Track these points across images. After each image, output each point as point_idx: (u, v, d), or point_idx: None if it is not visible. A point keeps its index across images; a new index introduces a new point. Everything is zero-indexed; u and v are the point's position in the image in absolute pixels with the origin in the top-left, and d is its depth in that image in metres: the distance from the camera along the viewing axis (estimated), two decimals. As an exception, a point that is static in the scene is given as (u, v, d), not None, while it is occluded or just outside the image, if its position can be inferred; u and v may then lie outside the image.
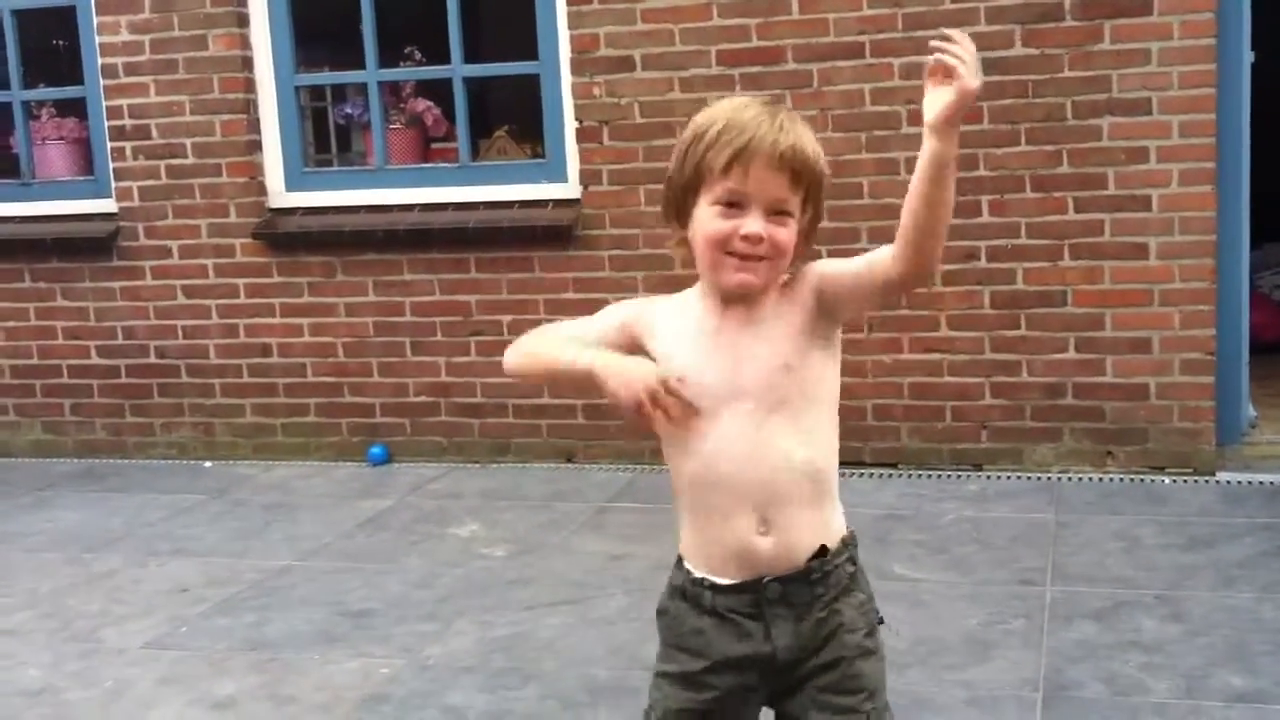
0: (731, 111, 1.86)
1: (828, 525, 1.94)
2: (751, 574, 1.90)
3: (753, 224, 1.83)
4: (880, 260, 1.86)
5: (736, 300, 1.90)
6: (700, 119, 1.89)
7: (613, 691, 3.32)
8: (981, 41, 5.07)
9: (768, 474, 1.88)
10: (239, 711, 3.34)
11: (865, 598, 1.96)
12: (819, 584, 1.91)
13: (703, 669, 1.92)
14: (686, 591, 1.95)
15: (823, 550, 1.91)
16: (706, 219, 1.85)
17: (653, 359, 1.91)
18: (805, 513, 1.90)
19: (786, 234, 1.85)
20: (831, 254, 5.58)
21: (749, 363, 1.88)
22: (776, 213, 1.84)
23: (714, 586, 1.92)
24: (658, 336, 1.94)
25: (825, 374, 1.93)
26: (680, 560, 1.98)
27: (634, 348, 1.94)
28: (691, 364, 1.89)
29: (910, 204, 1.80)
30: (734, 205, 1.84)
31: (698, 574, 1.94)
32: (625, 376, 1.82)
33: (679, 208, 1.90)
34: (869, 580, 2.00)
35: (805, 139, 1.84)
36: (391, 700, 3.36)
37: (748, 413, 1.87)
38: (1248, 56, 4.86)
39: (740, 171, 1.82)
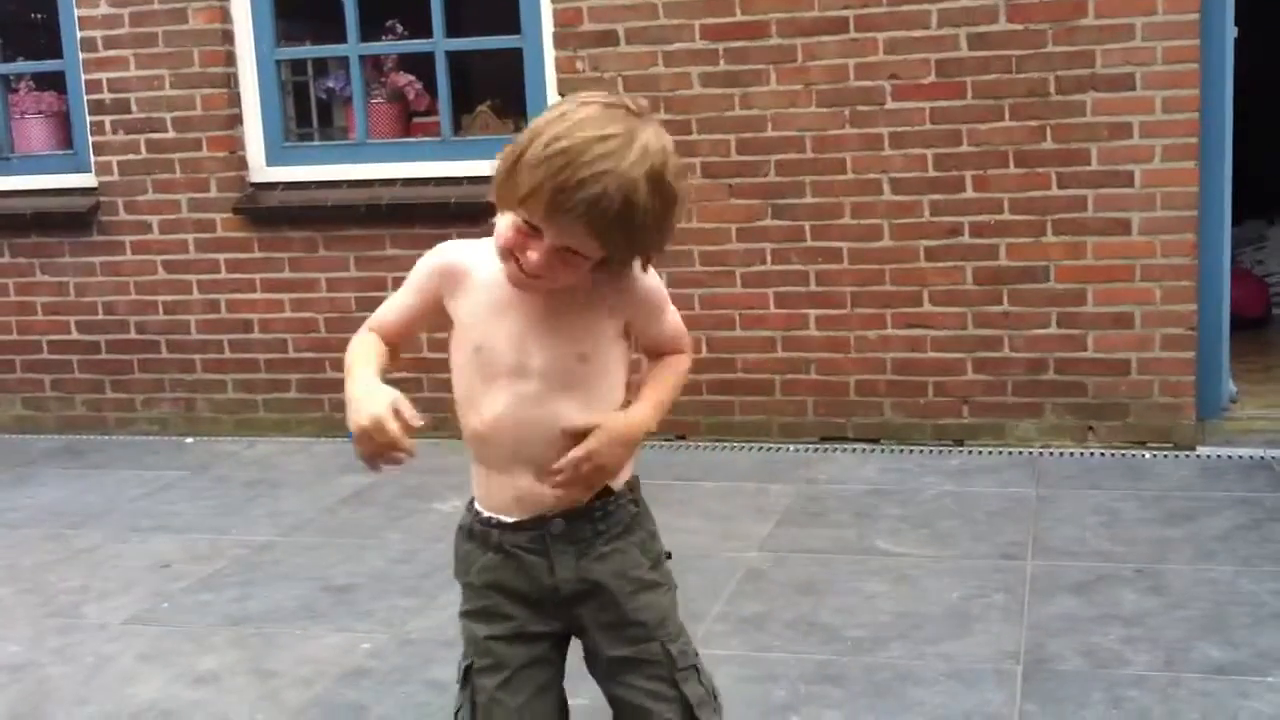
0: (571, 132, 1.73)
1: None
2: (536, 512, 1.97)
3: (535, 256, 1.80)
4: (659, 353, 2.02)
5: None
6: (552, 124, 1.75)
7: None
8: (966, 16, 5.12)
9: (545, 444, 1.92)
10: (221, 686, 3.33)
11: (647, 535, 2.03)
12: (601, 521, 1.98)
13: (496, 603, 2.00)
14: (474, 531, 2.03)
15: (606, 491, 1.97)
16: (503, 225, 1.82)
17: (448, 316, 1.97)
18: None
19: (569, 273, 1.82)
20: (814, 230, 5.59)
21: (542, 346, 1.91)
22: (569, 252, 1.79)
23: (500, 525, 1.99)
24: (462, 296, 1.96)
25: (620, 359, 1.98)
26: (471, 502, 2.06)
27: (438, 301, 1.98)
28: (486, 333, 1.93)
29: None
30: (532, 227, 1.78)
31: (485, 513, 2.01)
32: (354, 414, 1.86)
33: (498, 196, 1.82)
34: (654, 519, 2.08)
35: (638, 198, 1.73)
36: (373, 674, 3.36)
37: (531, 390, 1.91)
38: (1231, 32, 4.86)
39: (546, 217, 1.75)
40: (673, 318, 2.03)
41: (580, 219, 1.73)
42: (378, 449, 1.86)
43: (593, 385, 1.94)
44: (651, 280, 1.95)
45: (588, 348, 1.92)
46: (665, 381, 2.00)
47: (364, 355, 1.98)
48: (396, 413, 1.84)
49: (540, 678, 2.03)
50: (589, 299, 1.91)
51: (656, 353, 2.04)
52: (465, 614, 2.05)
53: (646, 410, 1.96)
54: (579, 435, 1.89)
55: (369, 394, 1.87)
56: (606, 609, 1.99)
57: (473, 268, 1.96)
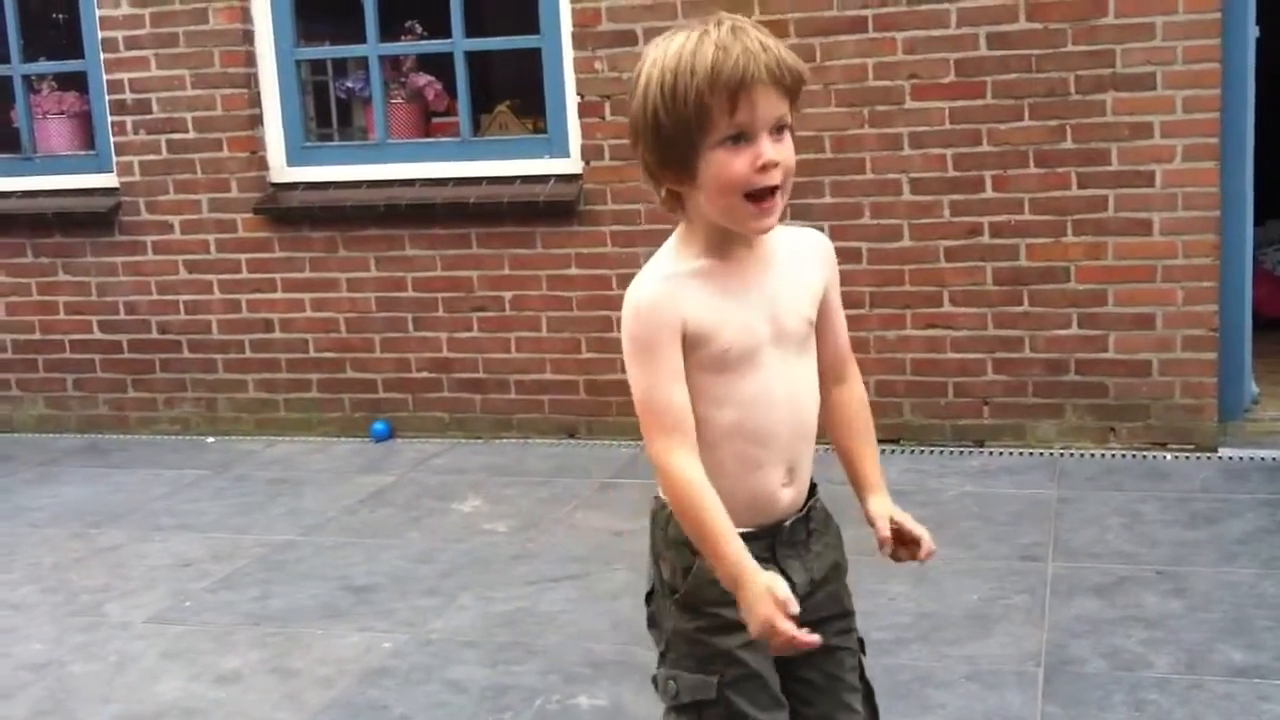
0: (700, 47, 1.76)
1: (813, 462, 2.01)
2: (765, 521, 1.92)
3: (767, 150, 1.78)
4: (826, 360, 2.00)
5: (740, 244, 1.88)
6: (670, 62, 1.77)
7: (615, 666, 3.33)
8: (985, 16, 5.10)
9: (802, 417, 1.94)
10: (243, 685, 3.35)
11: (837, 524, 2.05)
12: (811, 521, 1.98)
13: (735, 613, 1.83)
14: None
15: (812, 490, 2.00)
16: (721, 164, 1.78)
17: (688, 336, 1.84)
18: (810, 455, 1.98)
19: (790, 151, 1.83)
20: (833, 230, 5.58)
21: (785, 307, 1.90)
22: (779, 129, 1.81)
23: None
24: (691, 311, 1.84)
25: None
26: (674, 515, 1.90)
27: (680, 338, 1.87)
28: (729, 322, 1.85)
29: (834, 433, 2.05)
30: (740, 138, 1.78)
31: None
32: (750, 609, 1.77)
33: (679, 159, 1.80)
34: None
35: (783, 49, 1.80)
36: (394, 674, 3.37)
37: (783, 357, 1.90)
38: (1253, 31, 4.84)
39: (746, 104, 1.76)
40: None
41: (765, 79, 1.75)
42: (782, 645, 1.79)
43: (811, 351, 1.96)
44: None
45: (811, 310, 1.94)
46: (874, 445, 2.06)
47: (717, 517, 1.81)
48: (782, 604, 1.75)
49: (778, 681, 1.95)
50: (801, 261, 1.94)
51: (839, 358, 2.02)
52: (702, 631, 1.92)
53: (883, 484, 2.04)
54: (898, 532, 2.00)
55: (757, 596, 1.76)
56: (829, 603, 1.99)
57: (674, 289, 1.85)
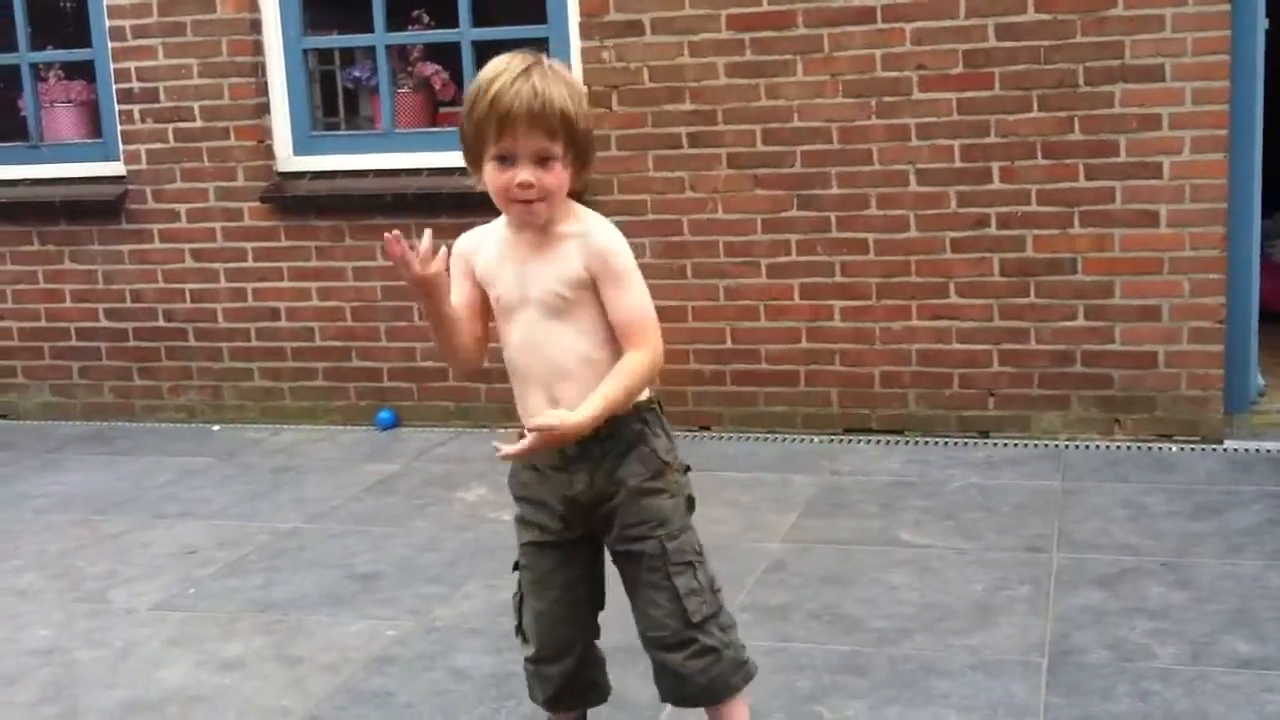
0: (494, 80, 2.22)
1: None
2: None
3: (523, 174, 2.25)
4: (617, 333, 2.35)
5: (526, 229, 2.37)
6: (474, 84, 2.27)
7: (621, 652, 3.32)
8: (994, 6, 5.08)
9: (551, 362, 2.37)
10: (247, 672, 3.36)
11: (649, 450, 2.42)
12: (607, 441, 2.38)
13: (532, 513, 2.49)
14: None
15: (612, 417, 2.34)
16: (490, 174, 2.29)
17: (479, 278, 2.44)
18: (576, 390, 2.34)
19: (553, 177, 2.27)
20: (840, 221, 5.54)
21: (534, 280, 2.36)
22: (542, 159, 2.25)
23: None
24: (480, 265, 2.44)
25: (596, 302, 2.35)
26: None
27: (474, 277, 2.45)
28: (498, 282, 2.40)
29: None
30: (506, 159, 2.25)
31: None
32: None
33: (474, 162, 2.32)
34: (668, 435, 2.48)
35: (557, 96, 2.21)
36: (399, 661, 3.37)
37: (533, 316, 2.37)
38: (1262, 24, 4.83)
39: (509, 135, 2.22)
40: (637, 301, 2.35)
41: (524, 118, 2.20)
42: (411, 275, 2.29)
43: (579, 318, 2.36)
44: (614, 243, 2.35)
45: (565, 291, 2.34)
46: (613, 383, 2.31)
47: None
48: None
49: (562, 579, 2.52)
50: (563, 250, 2.34)
51: (621, 334, 2.35)
52: (515, 519, 2.53)
53: (590, 413, 2.28)
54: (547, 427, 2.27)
55: None
56: (614, 513, 2.44)
57: (479, 244, 2.45)
